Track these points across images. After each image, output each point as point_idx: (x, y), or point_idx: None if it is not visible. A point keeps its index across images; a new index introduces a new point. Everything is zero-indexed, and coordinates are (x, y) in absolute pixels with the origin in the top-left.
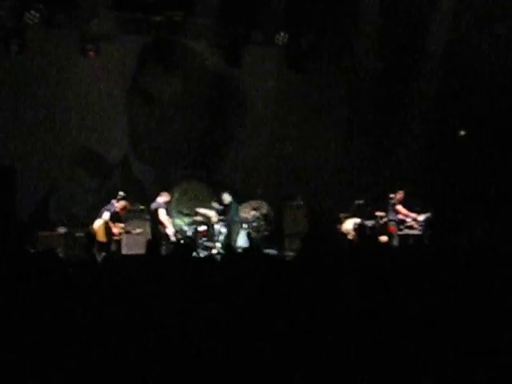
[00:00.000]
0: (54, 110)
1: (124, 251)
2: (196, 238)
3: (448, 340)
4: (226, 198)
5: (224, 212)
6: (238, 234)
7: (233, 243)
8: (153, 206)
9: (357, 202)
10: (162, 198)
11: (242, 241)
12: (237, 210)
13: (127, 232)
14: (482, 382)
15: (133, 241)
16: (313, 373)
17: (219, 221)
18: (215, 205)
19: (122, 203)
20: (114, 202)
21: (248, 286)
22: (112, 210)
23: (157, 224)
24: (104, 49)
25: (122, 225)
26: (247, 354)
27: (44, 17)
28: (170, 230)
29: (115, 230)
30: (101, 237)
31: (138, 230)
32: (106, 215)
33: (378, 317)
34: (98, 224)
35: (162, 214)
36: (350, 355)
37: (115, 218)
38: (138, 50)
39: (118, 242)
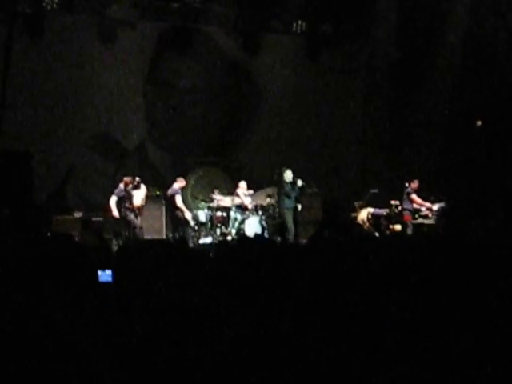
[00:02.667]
0: (72, 96)
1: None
2: (212, 225)
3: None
4: (290, 175)
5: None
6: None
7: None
8: (169, 191)
9: (372, 190)
10: (178, 184)
11: (252, 228)
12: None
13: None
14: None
15: (150, 225)
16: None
17: (235, 207)
18: (236, 199)
19: (125, 179)
20: (120, 185)
21: (256, 272)
22: (120, 193)
23: (173, 209)
24: (122, 35)
25: (136, 200)
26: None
27: (62, 2)
28: (188, 215)
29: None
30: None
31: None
32: (113, 199)
33: (386, 308)
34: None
35: (179, 200)
36: (359, 348)
37: (128, 198)
38: (156, 36)
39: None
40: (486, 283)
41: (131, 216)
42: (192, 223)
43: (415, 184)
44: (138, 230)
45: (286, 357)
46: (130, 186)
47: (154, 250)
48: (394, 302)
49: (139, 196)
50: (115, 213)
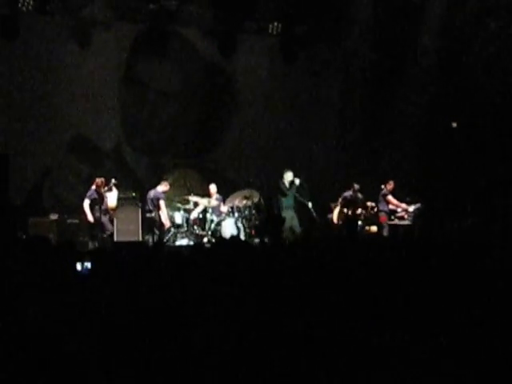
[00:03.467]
0: (48, 97)
1: (117, 238)
2: (188, 226)
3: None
4: (290, 175)
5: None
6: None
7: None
8: (152, 194)
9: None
10: (162, 187)
11: (228, 229)
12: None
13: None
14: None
15: (126, 228)
16: (297, 359)
17: (211, 209)
18: (212, 201)
19: (97, 180)
20: (92, 187)
21: (232, 275)
22: (92, 195)
23: (151, 211)
24: (98, 36)
25: (111, 201)
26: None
27: (38, 4)
28: (165, 218)
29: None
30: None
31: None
32: (86, 203)
33: (363, 308)
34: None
35: (162, 204)
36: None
37: (100, 200)
38: (132, 37)
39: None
40: (464, 281)
41: (105, 218)
42: (167, 225)
43: (391, 185)
44: (109, 233)
45: (257, 355)
46: (103, 187)
47: (131, 251)
48: (371, 301)
49: (112, 198)
50: (90, 217)
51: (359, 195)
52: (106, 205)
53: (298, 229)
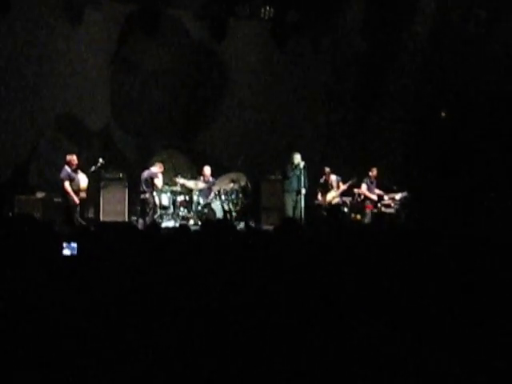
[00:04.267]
0: (37, 75)
1: (102, 218)
2: (174, 208)
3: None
4: (297, 158)
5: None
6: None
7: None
8: (146, 174)
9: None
10: (156, 168)
11: (215, 212)
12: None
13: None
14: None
15: (112, 208)
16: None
17: (198, 191)
18: (200, 183)
19: (69, 158)
20: (65, 167)
21: (220, 258)
22: (67, 174)
23: (144, 192)
24: (89, 15)
25: (83, 180)
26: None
27: None
28: (156, 198)
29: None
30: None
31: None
32: (67, 184)
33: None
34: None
35: (159, 182)
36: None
37: (73, 179)
38: (123, 18)
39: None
40: (448, 271)
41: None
42: (166, 203)
43: (374, 172)
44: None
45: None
46: (74, 166)
47: (118, 232)
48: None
49: (84, 178)
50: (75, 198)
51: (332, 178)
52: (78, 185)
53: (299, 211)
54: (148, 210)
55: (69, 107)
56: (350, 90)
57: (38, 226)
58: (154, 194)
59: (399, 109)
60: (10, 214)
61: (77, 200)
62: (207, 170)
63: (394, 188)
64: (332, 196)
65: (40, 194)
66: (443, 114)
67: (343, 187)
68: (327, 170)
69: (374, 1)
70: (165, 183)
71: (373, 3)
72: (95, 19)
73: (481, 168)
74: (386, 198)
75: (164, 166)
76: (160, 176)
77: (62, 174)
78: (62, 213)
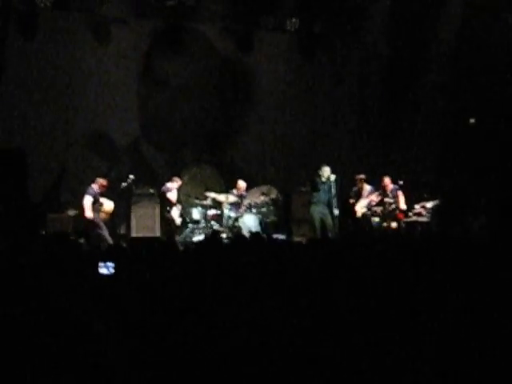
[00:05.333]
0: (65, 93)
1: (133, 234)
2: (206, 222)
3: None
4: (326, 170)
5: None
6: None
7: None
8: (162, 189)
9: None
10: (171, 184)
11: (249, 225)
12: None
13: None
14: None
15: (143, 223)
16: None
17: (229, 205)
18: (230, 197)
19: (100, 181)
20: (93, 185)
21: (257, 271)
22: (92, 192)
23: (164, 207)
24: (116, 33)
25: (108, 205)
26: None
27: (56, 0)
28: (175, 213)
29: (105, 210)
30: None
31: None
32: (88, 199)
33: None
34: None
35: (171, 196)
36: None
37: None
38: (150, 34)
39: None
40: (482, 280)
41: (99, 219)
42: (178, 222)
43: (385, 181)
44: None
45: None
46: (102, 189)
47: (147, 248)
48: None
49: (110, 203)
50: (89, 213)
51: (366, 187)
52: (102, 206)
53: (330, 226)
54: (168, 225)
55: (98, 124)
56: (378, 99)
57: (74, 244)
58: (171, 208)
59: (428, 116)
60: (43, 232)
61: (90, 215)
62: (242, 183)
63: (425, 196)
64: (360, 206)
65: (71, 212)
66: (472, 121)
67: (372, 197)
68: (360, 177)
69: (398, 8)
70: (195, 197)
71: (398, 11)
72: (122, 36)
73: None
74: (417, 206)
75: (183, 181)
76: (174, 190)
77: (89, 191)
78: (77, 225)
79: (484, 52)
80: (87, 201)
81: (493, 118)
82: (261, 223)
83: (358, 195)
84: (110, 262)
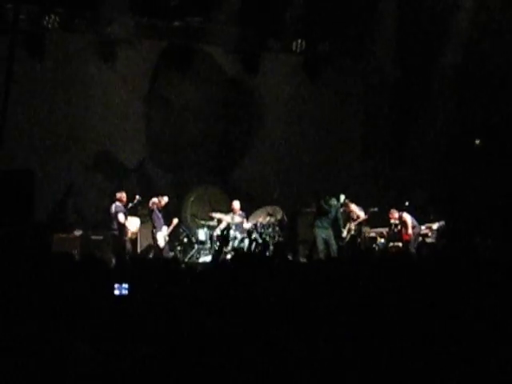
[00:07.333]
0: (72, 114)
1: (140, 253)
2: (212, 243)
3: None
4: (342, 199)
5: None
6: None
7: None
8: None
9: (371, 209)
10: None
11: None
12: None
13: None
14: None
15: (148, 243)
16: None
17: (234, 226)
18: (236, 217)
19: (118, 195)
20: (117, 203)
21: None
22: (122, 209)
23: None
24: (122, 54)
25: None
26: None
27: (63, 21)
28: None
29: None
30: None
31: None
32: (122, 217)
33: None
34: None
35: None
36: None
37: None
38: (156, 55)
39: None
40: (491, 298)
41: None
42: (162, 244)
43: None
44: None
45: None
46: (124, 203)
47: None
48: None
49: (134, 222)
50: (132, 229)
51: (353, 208)
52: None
53: (334, 247)
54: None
55: (104, 144)
56: (384, 119)
57: (77, 265)
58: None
59: (434, 137)
60: (48, 253)
61: (130, 233)
62: (236, 204)
63: (431, 217)
64: (348, 228)
65: (78, 232)
66: (478, 142)
67: (362, 217)
68: (344, 199)
69: (404, 28)
70: (200, 218)
71: (403, 31)
72: (128, 57)
73: None
74: (423, 227)
75: (193, 202)
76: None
77: (117, 209)
78: (116, 245)
79: (490, 74)
80: (121, 218)
81: (499, 138)
82: (264, 244)
83: (348, 218)
84: (124, 283)
